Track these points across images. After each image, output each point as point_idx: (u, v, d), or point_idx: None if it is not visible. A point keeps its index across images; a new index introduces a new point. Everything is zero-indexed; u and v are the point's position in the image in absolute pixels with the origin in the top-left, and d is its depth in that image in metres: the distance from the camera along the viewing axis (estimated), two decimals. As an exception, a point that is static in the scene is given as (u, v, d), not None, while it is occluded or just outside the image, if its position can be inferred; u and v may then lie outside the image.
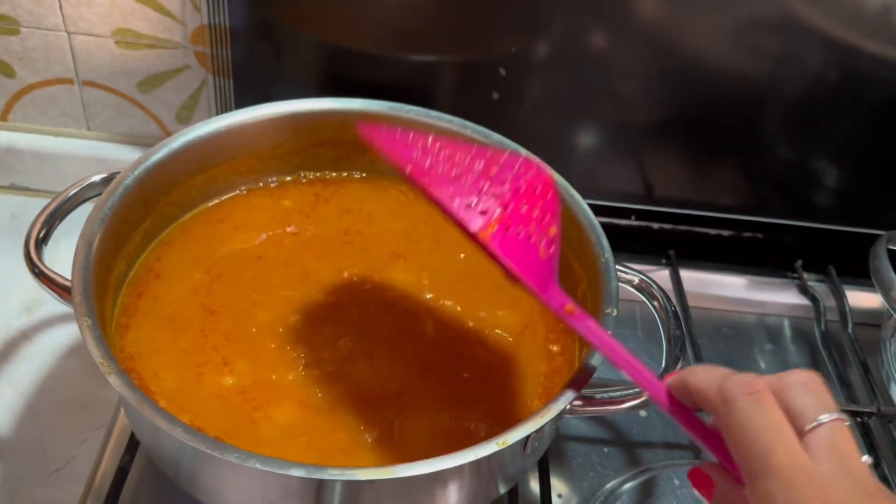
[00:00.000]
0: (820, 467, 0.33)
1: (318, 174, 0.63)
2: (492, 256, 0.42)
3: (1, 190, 0.77)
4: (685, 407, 0.40)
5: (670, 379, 0.40)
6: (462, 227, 0.41)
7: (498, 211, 0.41)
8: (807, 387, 0.36)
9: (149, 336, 0.52)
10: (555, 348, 0.54)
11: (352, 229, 0.60)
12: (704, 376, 0.38)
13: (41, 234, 0.50)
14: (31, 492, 0.55)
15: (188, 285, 0.55)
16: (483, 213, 0.41)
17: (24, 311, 0.66)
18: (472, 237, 0.41)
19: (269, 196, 0.62)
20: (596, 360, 0.46)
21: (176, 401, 0.48)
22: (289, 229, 0.60)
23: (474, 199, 0.41)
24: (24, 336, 0.64)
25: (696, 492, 0.40)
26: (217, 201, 0.61)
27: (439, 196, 0.41)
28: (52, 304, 0.67)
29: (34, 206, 0.76)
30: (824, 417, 0.34)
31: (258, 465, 0.38)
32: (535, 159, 0.45)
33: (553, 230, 0.43)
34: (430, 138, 0.44)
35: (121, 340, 0.51)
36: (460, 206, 0.41)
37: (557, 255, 0.44)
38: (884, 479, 0.61)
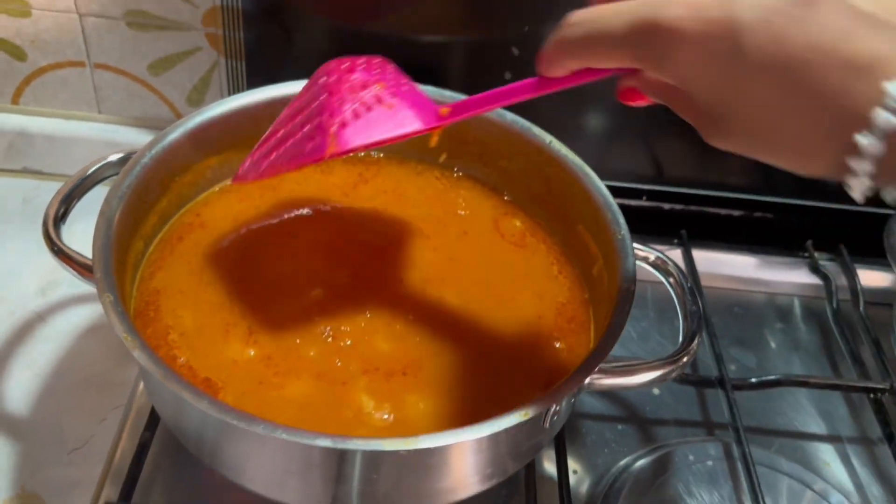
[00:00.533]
0: None
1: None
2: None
3: (12, 174, 0.77)
4: (565, 77, 0.40)
5: (539, 66, 0.40)
6: (318, 162, 0.42)
7: (329, 121, 0.42)
8: None
9: (177, 277, 0.53)
10: (559, 345, 0.54)
11: (383, 210, 0.61)
12: (546, 49, 0.38)
13: (59, 213, 0.50)
14: (51, 471, 0.55)
15: (219, 247, 0.56)
16: (320, 135, 0.42)
17: (38, 294, 0.66)
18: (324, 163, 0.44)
19: (321, 171, 0.62)
20: (615, 333, 0.47)
21: (188, 338, 0.50)
22: (324, 208, 0.60)
23: (307, 137, 0.43)
24: (40, 318, 0.65)
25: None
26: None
27: (290, 167, 0.43)
28: (67, 287, 0.67)
29: (46, 190, 0.76)
30: None
31: (283, 436, 0.38)
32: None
33: (378, 87, 0.43)
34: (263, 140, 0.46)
35: (148, 281, 0.53)
36: (304, 157, 0.42)
37: (407, 95, 0.44)
38: (897, 456, 0.61)
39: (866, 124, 0.29)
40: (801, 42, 0.30)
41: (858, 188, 0.31)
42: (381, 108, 0.42)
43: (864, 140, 0.30)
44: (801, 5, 0.30)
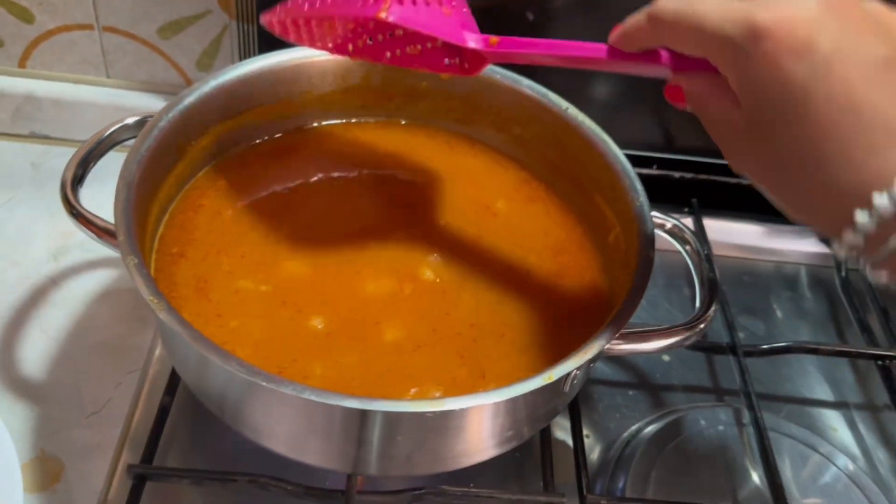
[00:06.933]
0: None
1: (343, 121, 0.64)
2: (396, 50, 0.45)
3: (21, 139, 0.77)
4: (633, 54, 0.41)
5: (613, 37, 0.41)
6: (364, 20, 0.43)
7: None
8: None
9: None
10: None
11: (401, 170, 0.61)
12: (633, 20, 0.39)
13: (77, 175, 0.50)
14: (69, 434, 0.55)
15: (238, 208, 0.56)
16: (376, 2, 0.42)
17: (50, 259, 0.66)
18: (375, 28, 0.44)
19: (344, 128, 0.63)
20: (636, 298, 0.47)
21: None
22: (345, 173, 0.60)
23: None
24: (53, 282, 0.65)
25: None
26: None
27: (335, 11, 0.43)
28: (78, 252, 0.67)
29: (54, 155, 0.76)
30: None
31: (312, 397, 0.39)
32: None
33: None
34: None
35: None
36: (353, 8, 0.42)
37: (463, 9, 0.45)
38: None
39: (867, 203, 0.32)
40: (863, 101, 0.32)
41: (842, 253, 0.34)
42: (436, 8, 0.43)
43: (861, 217, 0.32)
44: (884, 70, 0.32)
